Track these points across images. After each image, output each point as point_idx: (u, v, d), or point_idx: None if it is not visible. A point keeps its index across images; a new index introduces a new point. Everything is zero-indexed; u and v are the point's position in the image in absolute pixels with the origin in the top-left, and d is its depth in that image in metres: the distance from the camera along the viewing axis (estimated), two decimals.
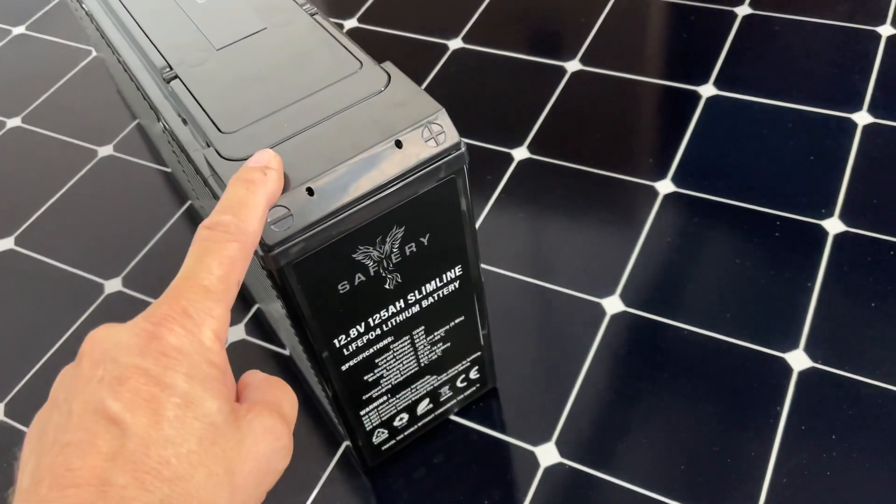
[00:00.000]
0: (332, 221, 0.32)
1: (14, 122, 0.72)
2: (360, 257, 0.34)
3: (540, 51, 0.70)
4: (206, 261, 0.25)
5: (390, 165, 0.32)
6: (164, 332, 0.23)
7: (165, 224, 0.62)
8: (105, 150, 0.69)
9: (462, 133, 0.34)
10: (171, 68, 0.38)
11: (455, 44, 0.72)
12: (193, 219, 0.62)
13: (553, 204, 0.59)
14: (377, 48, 0.73)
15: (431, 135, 0.33)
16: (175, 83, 0.37)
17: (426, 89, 0.68)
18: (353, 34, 0.76)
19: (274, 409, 0.26)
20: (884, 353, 0.48)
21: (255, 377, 0.28)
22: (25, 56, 0.79)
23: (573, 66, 0.68)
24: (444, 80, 0.69)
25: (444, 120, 0.33)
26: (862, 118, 0.60)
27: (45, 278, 0.60)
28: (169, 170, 0.66)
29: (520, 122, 0.65)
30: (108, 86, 0.74)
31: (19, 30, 0.82)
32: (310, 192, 0.31)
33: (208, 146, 0.34)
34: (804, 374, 0.47)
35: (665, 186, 0.58)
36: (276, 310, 0.40)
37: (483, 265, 0.56)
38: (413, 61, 0.71)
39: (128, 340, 0.23)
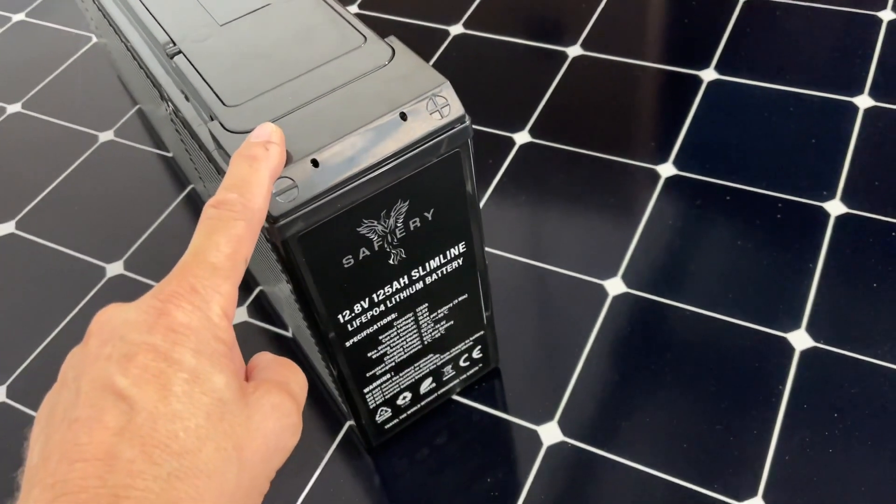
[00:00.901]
0: (337, 194, 0.32)
1: (14, 107, 0.72)
2: (365, 231, 0.34)
3: (541, 36, 0.70)
4: (214, 238, 0.25)
5: (395, 138, 0.32)
6: (172, 309, 0.23)
7: (167, 208, 0.62)
8: (106, 136, 0.69)
9: None
10: (175, 44, 0.38)
11: (456, 29, 0.72)
12: (194, 203, 0.62)
13: (555, 187, 0.59)
14: (378, 34, 0.73)
15: (436, 107, 0.33)
16: (178, 59, 0.37)
17: None
18: None
19: (282, 386, 0.26)
20: (885, 333, 0.48)
21: (263, 358, 0.28)
22: (26, 43, 0.79)
23: (574, 51, 0.68)
24: (446, 66, 0.69)
25: (448, 92, 0.33)
26: (863, 101, 0.60)
27: (46, 262, 0.60)
28: (170, 154, 0.66)
29: (521, 107, 0.65)
30: (108, 72, 0.74)
31: (19, 16, 0.82)
32: (315, 163, 0.31)
33: (212, 120, 0.34)
34: (806, 354, 0.47)
35: (666, 170, 0.58)
36: (280, 289, 0.40)
37: (486, 247, 0.55)
38: (414, 47, 0.71)
39: (136, 317, 0.24)
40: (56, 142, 0.69)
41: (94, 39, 0.78)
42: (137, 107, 0.70)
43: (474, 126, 0.64)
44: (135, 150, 0.67)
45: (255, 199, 0.27)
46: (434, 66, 0.70)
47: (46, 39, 0.79)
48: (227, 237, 0.26)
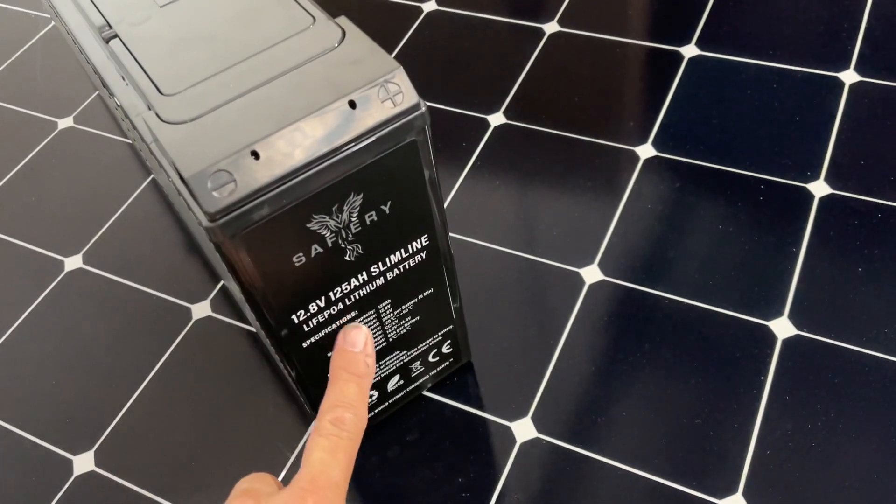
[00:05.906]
0: (282, 188, 0.29)
1: None
2: (316, 227, 0.32)
3: (517, 12, 0.67)
4: (338, 456, 0.30)
5: (343, 127, 0.30)
6: None
7: (128, 198, 0.60)
8: (65, 122, 0.66)
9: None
10: (111, 27, 0.35)
11: (429, 6, 0.69)
12: (156, 193, 0.60)
13: (530, 171, 0.57)
14: (349, 12, 0.70)
15: (388, 95, 0.31)
16: (114, 43, 0.34)
17: (400, 54, 0.66)
18: None
19: None
20: (870, 319, 0.46)
21: None
22: None
23: (551, 27, 0.66)
24: (419, 44, 0.67)
25: (401, 79, 0.31)
26: (849, 77, 0.58)
27: (1, 256, 0.57)
28: (131, 141, 0.63)
29: (496, 87, 0.62)
30: (67, 56, 0.71)
31: None
32: (255, 155, 0.29)
33: (149, 110, 0.31)
34: (788, 342, 0.46)
35: (646, 151, 0.56)
36: (233, 288, 0.38)
37: (458, 235, 0.53)
38: (386, 24, 0.69)
39: None
40: (13, 129, 0.66)
41: (53, 22, 0.75)
42: (97, 92, 0.68)
43: (447, 107, 0.61)
44: (95, 138, 0.64)
45: (365, 417, 0.32)
46: (406, 44, 0.67)
47: (3, 22, 0.76)
48: (347, 456, 0.30)
